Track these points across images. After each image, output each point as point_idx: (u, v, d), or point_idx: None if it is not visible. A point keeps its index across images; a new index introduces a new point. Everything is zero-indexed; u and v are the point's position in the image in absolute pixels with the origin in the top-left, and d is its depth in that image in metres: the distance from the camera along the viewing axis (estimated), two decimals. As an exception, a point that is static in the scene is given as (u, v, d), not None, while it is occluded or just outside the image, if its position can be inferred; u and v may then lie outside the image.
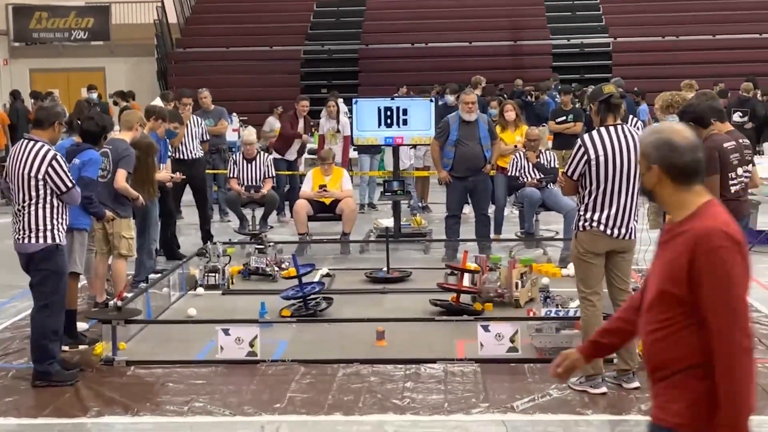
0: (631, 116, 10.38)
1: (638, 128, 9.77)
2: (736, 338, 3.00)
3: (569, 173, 6.34)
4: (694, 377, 3.09)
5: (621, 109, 6.47)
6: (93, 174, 7.68)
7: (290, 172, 14.16)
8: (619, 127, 6.32)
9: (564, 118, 15.40)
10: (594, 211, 6.27)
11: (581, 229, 6.33)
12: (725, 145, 7.02)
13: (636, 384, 6.36)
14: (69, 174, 6.70)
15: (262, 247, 10.22)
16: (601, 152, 6.20)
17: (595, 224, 6.27)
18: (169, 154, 11.02)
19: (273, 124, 16.28)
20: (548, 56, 25.88)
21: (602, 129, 6.31)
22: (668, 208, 3.27)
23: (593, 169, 6.22)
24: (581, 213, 6.34)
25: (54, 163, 6.56)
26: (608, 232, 6.26)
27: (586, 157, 6.23)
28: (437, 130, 11.11)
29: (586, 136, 6.36)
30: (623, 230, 6.29)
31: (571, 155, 6.36)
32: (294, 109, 14.49)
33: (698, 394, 3.08)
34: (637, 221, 6.43)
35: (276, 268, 9.85)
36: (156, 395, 6.46)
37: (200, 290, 9.37)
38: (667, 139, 3.21)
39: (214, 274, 9.50)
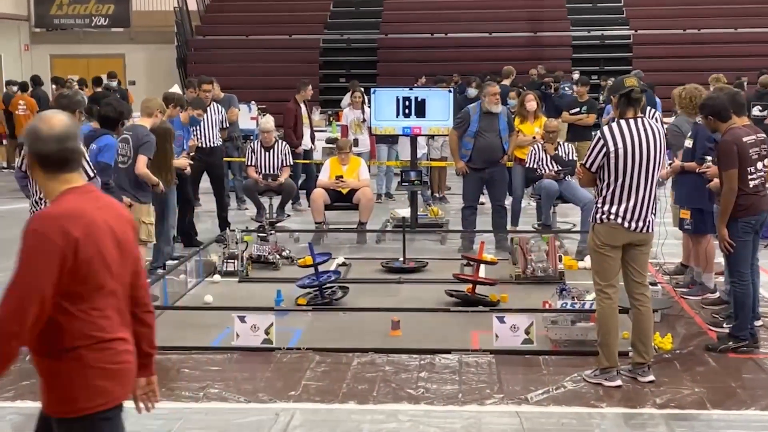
0: (649, 108, 10.30)
1: (656, 119, 9.74)
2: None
3: (587, 165, 6.30)
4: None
5: (641, 102, 6.43)
6: (109, 159, 7.68)
7: (306, 161, 14.13)
8: (639, 119, 6.27)
9: (578, 109, 15.33)
10: (612, 204, 6.24)
11: (599, 221, 6.30)
12: (745, 139, 6.96)
13: (651, 378, 6.35)
14: (90, 163, 6.71)
15: (264, 234, 10.25)
16: (620, 144, 6.16)
17: (612, 217, 6.24)
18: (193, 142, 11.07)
19: None
20: (568, 48, 25.76)
21: (622, 121, 6.26)
22: (45, 194, 3.37)
23: (612, 161, 6.18)
24: (599, 205, 6.32)
25: None
26: (626, 225, 6.23)
27: (605, 150, 6.19)
28: (457, 120, 11.08)
29: (605, 128, 6.31)
30: (641, 223, 6.26)
31: (590, 147, 6.33)
32: (293, 98, 14.13)
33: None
34: (655, 214, 6.40)
35: (277, 256, 9.88)
36: (171, 381, 6.48)
37: (217, 277, 9.43)
38: (35, 127, 3.30)
39: (233, 261, 9.55)
